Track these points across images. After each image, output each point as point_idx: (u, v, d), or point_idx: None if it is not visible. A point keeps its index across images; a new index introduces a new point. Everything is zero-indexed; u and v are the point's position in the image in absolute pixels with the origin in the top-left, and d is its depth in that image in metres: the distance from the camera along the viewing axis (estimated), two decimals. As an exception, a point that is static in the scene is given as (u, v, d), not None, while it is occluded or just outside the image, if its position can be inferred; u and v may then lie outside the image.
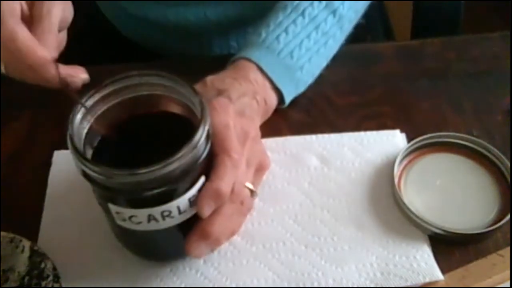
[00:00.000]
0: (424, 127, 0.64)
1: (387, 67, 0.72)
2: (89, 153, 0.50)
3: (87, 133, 0.50)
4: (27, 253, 0.55)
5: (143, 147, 0.52)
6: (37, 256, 0.55)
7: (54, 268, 0.54)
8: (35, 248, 0.55)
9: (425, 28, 0.92)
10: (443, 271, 0.54)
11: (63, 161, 0.63)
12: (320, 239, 0.57)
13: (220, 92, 0.57)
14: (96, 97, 0.50)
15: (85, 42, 0.90)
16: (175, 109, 0.52)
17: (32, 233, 0.58)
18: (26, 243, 0.55)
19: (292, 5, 0.64)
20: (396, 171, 0.60)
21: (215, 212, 0.50)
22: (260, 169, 0.57)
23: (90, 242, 0.57)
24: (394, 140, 0.63)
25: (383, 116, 0.66)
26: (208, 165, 0.50)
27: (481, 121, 0.65)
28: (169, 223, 0.49)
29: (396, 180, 0.59)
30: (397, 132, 0.64)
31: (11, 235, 0.56)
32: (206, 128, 0.47)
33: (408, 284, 0.53)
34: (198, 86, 0.59)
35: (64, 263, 0.55)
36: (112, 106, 0.51)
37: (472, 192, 0.59)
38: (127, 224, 0.49)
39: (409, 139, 0.63)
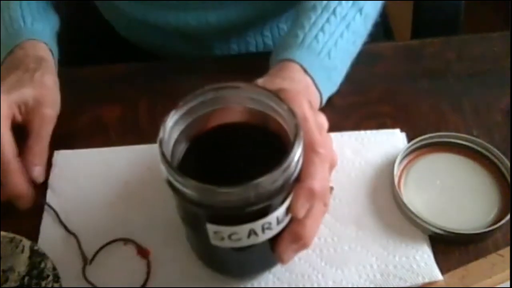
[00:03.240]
0: (424, 127, 0.64)
1: (387, 67, 0.72)
2: None
3: (172, 148, 0.49)
4: (27, 253, 0.55)
5: (228, 161, 0.51)
6: (37, 256, 0.55)
7: (54, 268, 0.54)
8: (35, 248, 0.55)
9: (425, 28, 0.92)
10: (443, 271, 0.54)
11: (63, 161, 0.64)
12: (320, 239, 0.56)
13: (279, 90, 0.54)
14: (182, 110, 0.49)
15: (85, 42, 0.90)
16: (258, 120, 0.51)
17: (32, 233, 0.58)
18: (26, 243, 0.55)
19: (322, 5, 0.63)
20: (396, 171, 0.60)
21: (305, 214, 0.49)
22: (332, 165, 0.53)
23: (90, 242, 0.57)
24: (394, 140, 0.63)
25: (383, 116, 0.66)
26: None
27: (481, 121, 0.65)
28: (268, 235, 0.48)
29: (396, 180, 0.59)
30: (397, 131, 0.64)
31: (11, 235, 0.56)
32: (299, 150, 0.46)
33: (408, 284, 0.53)
34: None
35: (64, 263, 0.55)
36: (195, 119, 0.50)
37: (472, 192, 0.59)
38: (224, 243, 0.48)
39: (409, 139, 0.63)
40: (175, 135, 0.49)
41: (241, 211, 0.45)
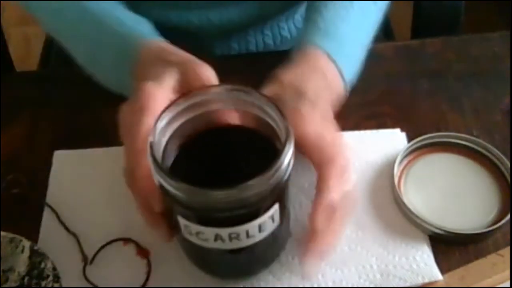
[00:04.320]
0: (424, 127, 0.64)
1: (387, 67, 0.72)
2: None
3: (163, 150, 0.49)
4: (27, 253, 0.55)
5: (220, 164, 0.52)
6: (37, 256, 0.55)
7: (54, 268, 0.54)
8: (35, 248, 0.55)
9: (425, 28, 0.92)
10: (443, 271, 0.54)
11: (63, 161, 0.64)
12: (320, 239, 0.57)
13: (298, 93, 0.55)
14: (172, 112, 0.49)
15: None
16: (249, 123, 0.51)
17: (32, 233, 0.58)
18: (26, 243, 0.55)
19: None
20: (396, 171, 0.60)
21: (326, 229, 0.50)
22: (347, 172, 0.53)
23: (90, 242, 0.57)
24: (394, 140, 0.63)
25: (383, 116, 0.66)
26: (283, 193, 0.49)
27: (481, 121, 0.65)
28: (235, 244, 0.48)
29: (396, 180, 0.59)
30: (397, 131, 0.64)
31: (11, 235, 0.56)
32: (290, 153, 0.46)
33: (408, 284, 0.53)
34: (274, 87, 0.56)
35: (64, 263, 0.55)
36: (187, 121, 0.50)
37: (472, 192, 0.59)
38: (193, 239, 0.49)
39: (409, 139, 0.63)
40: (166, 136, 0.49)
41: (212, 213, 0.45)
